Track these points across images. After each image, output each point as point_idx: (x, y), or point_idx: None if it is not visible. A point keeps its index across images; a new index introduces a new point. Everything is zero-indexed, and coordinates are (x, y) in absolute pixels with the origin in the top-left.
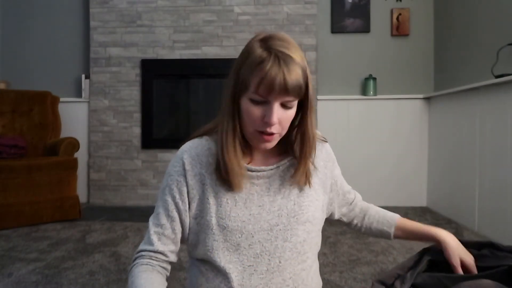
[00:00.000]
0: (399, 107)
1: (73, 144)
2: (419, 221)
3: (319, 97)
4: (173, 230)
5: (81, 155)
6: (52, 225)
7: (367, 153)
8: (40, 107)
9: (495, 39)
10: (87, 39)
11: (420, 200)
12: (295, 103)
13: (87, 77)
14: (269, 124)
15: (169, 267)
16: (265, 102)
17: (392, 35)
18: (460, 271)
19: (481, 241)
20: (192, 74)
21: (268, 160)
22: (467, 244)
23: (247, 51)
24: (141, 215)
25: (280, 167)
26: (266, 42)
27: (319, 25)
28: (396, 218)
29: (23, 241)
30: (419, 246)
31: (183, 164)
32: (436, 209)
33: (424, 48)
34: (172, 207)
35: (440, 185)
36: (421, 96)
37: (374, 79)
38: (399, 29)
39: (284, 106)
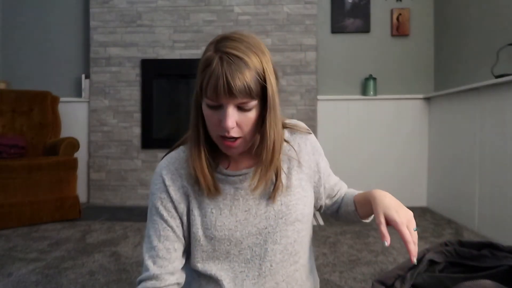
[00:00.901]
0: (399, 107)
1: (73, 144)
2: (419, 221)
3: (319, 97)
4: (167, 249)
5: (81, 155)
6: (52, 225)
7: (367, 153)
8: (40, 107)
9: (495, 39)
10: (87, 39)
11: (420, 200)
12: (254, 104)
13: (87, 77)
14: (225, 128)
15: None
16: (219, 106)
17: (392, 35)
18: (382, 230)
19: (481, 241)
20: (192, 74)
21: (249, 162)
22: (467, 245)
23: (203, 53)
24: (141, 215)
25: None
26: (218, 43)
27: (319, 25)
28: (354, 194)
29: (23, 241)
30: (419, 246)
31: (163, 180)
32: (436, 209)
33: (424, 48)
34: (162, 226)
35: (440, 185)
36: (421, 96)
37: (374, 79)
38: (399, 29)
39: (241, 108)
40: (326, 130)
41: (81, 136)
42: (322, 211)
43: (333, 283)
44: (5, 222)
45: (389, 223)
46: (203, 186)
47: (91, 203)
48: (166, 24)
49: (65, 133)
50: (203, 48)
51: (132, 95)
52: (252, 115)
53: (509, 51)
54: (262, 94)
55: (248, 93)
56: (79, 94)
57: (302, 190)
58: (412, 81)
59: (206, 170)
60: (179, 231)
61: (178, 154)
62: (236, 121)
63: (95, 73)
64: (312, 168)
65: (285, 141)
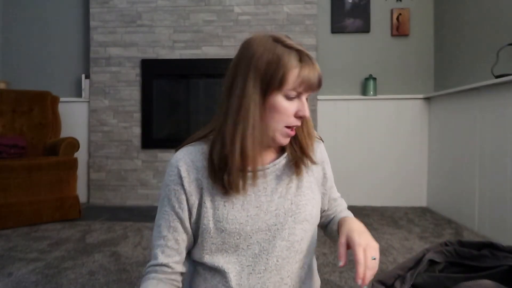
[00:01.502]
0: (399, 107)
1: (73, 144)
2: (419, 221)
3: (319, 97)
4: (176, 240)
5: (81, 155)
6: (52, 225)
7: (367, 153)
8: (40, 107)
9: (495, 39)
10: (87, 39)
11: (420, 200)
12: None
13: (87, 77)
14: (304, 117)
15: (178, 278)
16: (296, 97)
17: (392, 35)
18: (340, 249)
19: (481, 241)
20: (192, 74)
21: (263, 159)
22: (467, 245)
23: (269, 51)
24: (141, 215)
25: (276, 165)
26: (283, 41)
27: (319, 25)
28: (341, 215)
29: (23, 241)
30: (418, 246)
31: (179, 172)
32: (436, 210)
33: (424, 48)
34: (172, 217)
35: (440, 185)
36: (421, 96)
37: (374, 79)
38: (399, 29)
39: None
40: (326, 130)
41: (81, 136)
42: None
43: (333, 283)
44: (5, 222)
45: (349, 244)
46: (243, 179)
47: (91, 203)
48: (166, 24)
49: (65, 133)
50: (203, 48)
51: (132, 95)
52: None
53: (509, 51)
54: None
55: None
56: (79, 94)
57: (311, 192)
58: (412, 81)
59: (257, 166)
60: (187, 223)
61: (194, 147)
62: None
63: (95, 73)
64: (320, 175)
65: None
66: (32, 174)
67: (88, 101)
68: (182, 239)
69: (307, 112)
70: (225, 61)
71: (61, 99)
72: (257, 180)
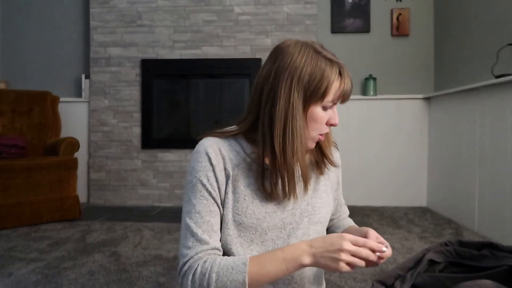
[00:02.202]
0: (399, 107)
1: (73, 144)
2: (419, 221)
3: None
4: (218, 224)
5: (81, 155)
6: (52, 225)
7: (367, 153)
8: (40, 107)
9: (495, 39)
10: (87, 39)
11: (420, 200)
12: None
13: (87, 77)
14: (335, 125)
15: None
16: (330, 108)
17: (392, 35)
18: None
19: (481, 241)
20: (192, 74)
21: None
22: (467, 245)
23: (311, 62)
24: (141, 215)
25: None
26: (323, 53)
27: (319, 25)
28: (350, 224)
29: (23, 241)
30: (418, 246)
31: (210, 159)
32: (436, 209)
33: (424, 48)
34: (211, 202)
35: (440, 185)
36: (421, 96)
37: (374, 79)
38: (399, 29)
39: None
40: None
41: (81, 136)
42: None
43: (333, 283)
44: (5, 222)
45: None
46: (295, 189)
47: (91, 203)
48: (166, 24)
49: (65, 133)
50: (203, 48)
51: (132, 95)
52: None
53: (509, 51)
54: None
55: None
56: (79, 94)
57: (326, 196)
58: (412, 81)
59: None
60: (221, 209)
61: (221, 139)
62: None
63: (95, 73)
64: (335, 181)
65: None
66: (32, 174)
67: (88, 101)
68: (220, 223)
69: (338, 121)
70: (225, 61)
71: (61, 99)
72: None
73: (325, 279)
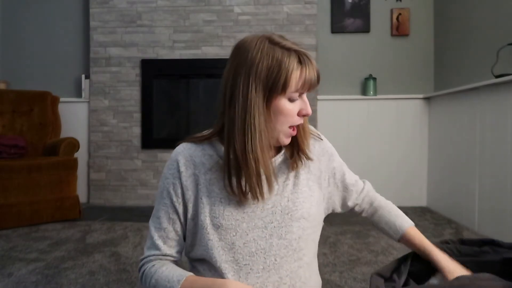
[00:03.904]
0: (399, 107)
1: (73, 144)
2: (419, 221)
3: (319, 97)
4: (176, 231)
5: (81, 155)
6: (52, 225)
7: (367, 153)
8: (40, 107)
9: (495, 39)
10: (87, 39)
11: (420, 200)
12: None
13: (87, 77)
14: (307, 115)
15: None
16: (296, 99)
17: (392, 35)
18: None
19: (482, 239)
20: (192, 74)
21: (270, 154)
22: (468, 242)
23: (267, 55)
24: (141, 215)
25: (274, 163)
26: (279, 43)
27: (319, 25)
28: (405, 228)
29: (23, 241)
30: None
31: (178, 166)
32: (436, 209)
33: (424, 48)
34: (171, 209)
35: (440, 185)
36: (421, 96)
37: (374, 79)
38: (399, 29)
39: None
40: (326, 130)
41: (81, 136)
42: (341, 210)
43: (333, 283)
44: (5, 222)
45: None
46: (261, 183)
47: (91, 203)
48: (166, 24)
49: (65, 133)
50: (203, 48)
51: (132, 95)
52: None
53: (509, 51)
54: None
55: None
56: (79, 94)
57: (309, 190)
58: (412, 81)
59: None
60: (183, 217)
61: (196, 144)
62: None
63: (95, 73)
64: (322, 170)
65: None
66: (32, 174)
67: (88, 101)
68: (180, 231)
69: (309, 110)
70: (225, 61)
71: (61, 99)
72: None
73: (325, 279)
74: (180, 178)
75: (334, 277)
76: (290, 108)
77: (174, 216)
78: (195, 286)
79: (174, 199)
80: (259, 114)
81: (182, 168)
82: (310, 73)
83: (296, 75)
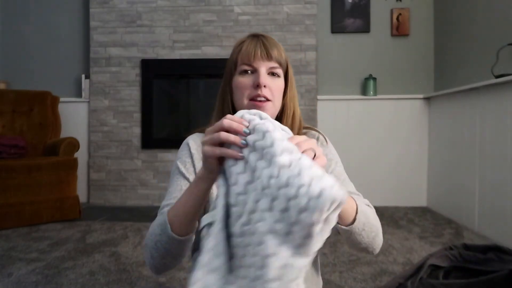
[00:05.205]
0: (399, 107)
1: (73, 144)
2: (419, 221)
3: (319, 97)
4: None
5: (81, 155)
6: (52, 225)
7: (367, 153)
8: (40, 107)
9: (495, 39)
10: (87, 39)
11: (420, 200)
12: (281, 73)
13: (87, 77)
14: (259, 84)
15: None
16: (253, 72)
17: (392, 35)
18: None
19: (486, 245)
20: (192, 74)
21: None
22: (472, 248)
23: (236, 49)
24: (141, 215)
25: None
26: (249, 35)
27: (319, 25)
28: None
29: (23, 241)
30: (418, 246)
31: (189, 149)
32: (436, 209)
33: (424, 48)
34: (184, 182)
35: (440, 185)
36: (421, 96)
37: (374, 79)
38: (399, 29)
39: (272, 74)
40: (326, 130)
41: (81, 136)
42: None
43: (333, 283)
44: (5, 222)
45: None
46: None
47: (91, 203)
48: (166, 24)
49: (65, 133)
50: (203, 48)
51: (132, 95)
52: (280, 82)
53: (509, 51)
54: (285, 75)
55: (279, 61)
56: (79, 94)
57: None
58: (412, 81)
59: None
60: None
61: (203, 133)
62: (268, 83)
63: (95, 73)
64: None
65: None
66: (32, 174)
67: (88, 101)
68: None
69: (261, 80)
70: (225, 61)
71: (61, 99)
72: None
73: (325, 279)
74: (191, 157)
75: (334, 277)
76: (241, 80)
77: (186, 184)
78: (178, 202)
79: (186, 173)
80: (226, 97)
81: (194, 150)
82: (248, 45)
83: (243, 50)
